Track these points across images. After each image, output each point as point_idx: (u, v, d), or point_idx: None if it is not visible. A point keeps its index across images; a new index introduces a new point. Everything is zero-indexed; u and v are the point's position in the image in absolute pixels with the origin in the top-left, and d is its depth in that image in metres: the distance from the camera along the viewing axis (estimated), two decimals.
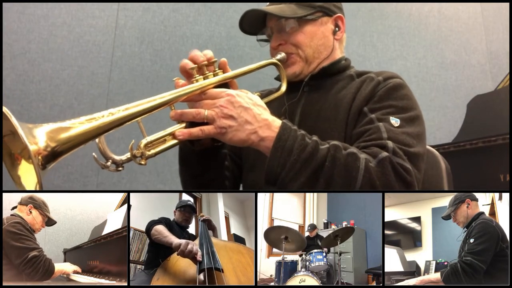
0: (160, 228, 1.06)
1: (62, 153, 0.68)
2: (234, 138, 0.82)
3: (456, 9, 2.74)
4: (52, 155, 0.66)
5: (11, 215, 1.02)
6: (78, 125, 0.70)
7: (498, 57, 2.72)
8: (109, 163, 0.78)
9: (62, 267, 1.08)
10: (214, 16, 2.37)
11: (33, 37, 2.14)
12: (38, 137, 0.65)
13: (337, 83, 1.07)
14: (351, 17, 2.54)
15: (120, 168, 0.79)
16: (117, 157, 0.78)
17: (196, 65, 0.87)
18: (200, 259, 0.93)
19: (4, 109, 0.63)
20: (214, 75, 0.89)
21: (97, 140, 0.76)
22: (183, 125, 0.85)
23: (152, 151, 0.80)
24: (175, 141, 0.83)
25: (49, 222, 1.09)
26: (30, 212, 1.03)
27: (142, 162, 0.79)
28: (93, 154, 0.77)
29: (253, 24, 1.11)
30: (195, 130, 0.82)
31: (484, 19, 2.76)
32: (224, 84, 0.90)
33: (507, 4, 2.71)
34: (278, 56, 1.05)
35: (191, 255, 0.94)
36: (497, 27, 2.77)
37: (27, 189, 0.68)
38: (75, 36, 2.20)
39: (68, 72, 2.16)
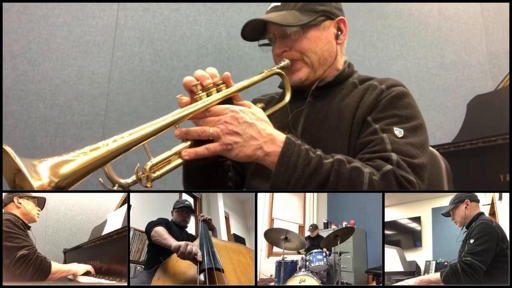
0: (160, 230, 1.06)
1: (66, 187, 0.68)
2: (240, 154, 0.82)
3: (456, 9, 2.74)
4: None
5: (4, 213, 0.97)
6: (82, 157, 0.70)
7: (498, 57, 2.72)
8: (115, 188, 0.78)
9: (70, 267, 1.05)
10: (214, 16, 2.37)
11: (33, 37, 2.14)
12: (42, 173, 0.65)
13: (340, 91, 1.07)
14: (351, 17, 2.54)
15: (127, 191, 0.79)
16: (123, 181, 0.78)
17: (199, 82, 0.86)
18: (201, 259, 0.93)
19: (8, 148, 0.63)
20: (217, 91, 0.88)
21: None
22: (188, 143, 0.85)
23: (158, 173, 0.81)
24: (180, 161, 0.83)
25: (40, 202, 1.04)
26: (20, 204, 0.99)
27: (148, 185, 0.79)
28: (100, 179, 0.78)
29: (254, 30, 1.10)
30: (201, 149, 0.82)
31: (484, 19, 2.76)
32: (228, 98, 0.89)
33: (507, 4, 2.70)
34: (282, 64, 1.04)
35: (191, 256, 0.94)
36: (497, 27, 2.76)
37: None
38: (75, 36, 2.20)
39: (68, 72, 2.16)
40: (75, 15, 2.21)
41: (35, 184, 0.63)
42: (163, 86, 2.21)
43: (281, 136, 0.85)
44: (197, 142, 0.83)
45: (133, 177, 0.79)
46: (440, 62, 2.66)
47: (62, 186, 0.67)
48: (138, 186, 0.81)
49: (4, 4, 2.10)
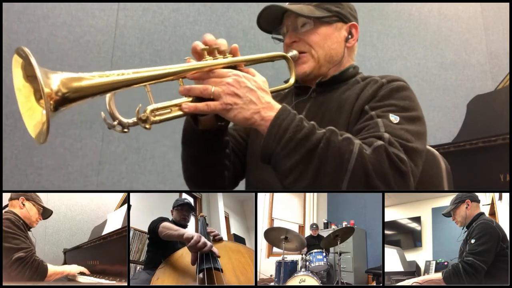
0: (167, 224, 1.06)
1: (71, 100, 0.72)
2: (239, 115, 0.84)
3: (456, 9, 2.74)
4: (62, 101, 0.71)
5: (4, 212, 0.97)
6: (90, 78, 0.75)
7: (498, 57, 2.72)
8: (115, 123, 0.80)
9: (64, 268, 1.06)
10: (214, 16, 2.37)
11: (33, 37, 2.14)
12: (53, 81, 0.70)
13: (342, 87, 1.10)
14: None
15: (126, 130, 0.82)
16: (124, 119, 0.81)
17: (207, 47, 0.89)
18: (216, 254, 0.95)
19: (26, 49, 0.69)
20: (224, 58, 0.91)
21: (106, 100, 0.80)
22: (190, 99, 0.87)
23: (158, 118, 0.83)
24: (180, 113, 0.86)
25: (45, 213, 1.05)
26: (23, 205, 0.99)
27: (147, 126, 0.82)
28: (102, 113, 0.81)
29: (270, 21, 1.13)
30: (201, 105, 0.84)
31: (484, 19, 2.76)
32: (233, 68, 0.91)
33: (507, 4, 2.70)
34: (290, 54, 1.07)
35: (204, 251, 0.94)
36: (497, 27, 2.77)
37: (33, 130, 0.72)
38: (75, 36, 2.20)
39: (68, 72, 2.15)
40: (75, 15, 2.21)
41: (46, 90, 0.67)
42: (163, 86, 2.21)
43: (278, 105, 0.88)
44: (199, 100, 0.85)
45: (134, 118, 0.82)
46: (440, 62, 2.66)
47: (69, 98, 0.71)
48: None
49: (4, 4, 2.10)
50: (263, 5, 1.11)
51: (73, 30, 2.20)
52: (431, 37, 2.67)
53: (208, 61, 0.88)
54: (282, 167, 0.84)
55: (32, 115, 0.73)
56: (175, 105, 0.86)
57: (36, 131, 0.72)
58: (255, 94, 0.85)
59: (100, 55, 2.21)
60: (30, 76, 0.71)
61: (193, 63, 0.88)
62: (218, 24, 2.36)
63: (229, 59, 0.91)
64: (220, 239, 1.18)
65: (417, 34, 2.66)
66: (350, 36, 1.13)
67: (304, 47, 1.08)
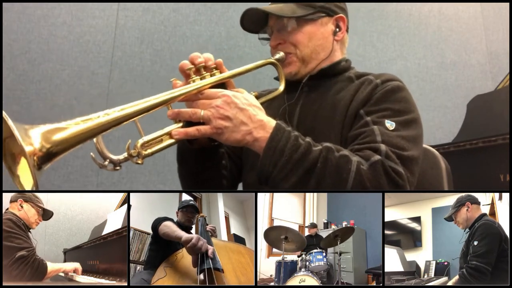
0: (169, 223, 1.06)
1: (57, 153, 0.69)
2: (230, 138, 0.83)
3: (456, 9, 2.74)
4: (47, 156, 0.67)
5: (5, 212, 0.99)
6: (74, 126, 0.71)
7: (498, 57, 2.72)
8: (106, 163, 0.78)
9: (60, 266, 1.06)
10: (214, 16, 2.37)
11: (33, 37, 2.14)
12: (34, 138, 0.66)
13: (336, 84, 1.07)
14: (351, 17, 2.52)
15: (118, 168, 0.80)
16: (114, 157, 0.79)
17: (193, 66, 0.87)
18: (212, 256, 0.94)
19: (3, 112, 0.64)
20: (211, 76, 0.89)
21: (94, 140, 0.76)
22: (180, 124, 0.86)
23: (149, 151, 0.81)
24: (172, 141, 0.84)
25: (46, 214, 1.06)
26: (21, 207, 1.00)
27: (139, 162, 0.80)
28: (91, 154, 0.78)
29: (255, 22, 1.11)
30: (192, 130, 0.83)
31: (484, 19, 2.76)
32: (221, 84, 0.90)
33: (507, 4, 2.71)
34: (277, 56, 1.05)
35: (202, 252, 0.94)
36: (497, 27, 2.77)
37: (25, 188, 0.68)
38: (75, 36, 2.20)
39: (68, 72, 2.16)
40: (75, 15, 2.21)
41: (27, 148, 0.63)
42: (163, 86, 2.20)
43: (271, 122, 0.86)
44: (189, 124, 0.84)
45: (124, 154, 0.80)
46: (440, 62, 2.66)
47: (54, 152, 0.68)
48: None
49: (4, 4, 2.10)
50: (263, 5, 1.10)
51: (73, 30, 2.20)
52: (431, 37, 2.67)
53: (196, 82, 0.86)
54: (280, 188, 0.83)
55: (19, 171, 0.68)
56: (166, 134, 0.84)
57: (27, 185, 0.68)
58: (246, 113, 0.84)
59: (100, 55, 2.21)
60: (11, 135, 0.65)
61: (179, 89, 0.86)
62: (218, 24, 2.36)
63: (216, 77, 0.89)
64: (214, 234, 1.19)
65: (417, 34, 2.65)
66: (338, 29, 1.10)
67: (289, 48, 1.06)
